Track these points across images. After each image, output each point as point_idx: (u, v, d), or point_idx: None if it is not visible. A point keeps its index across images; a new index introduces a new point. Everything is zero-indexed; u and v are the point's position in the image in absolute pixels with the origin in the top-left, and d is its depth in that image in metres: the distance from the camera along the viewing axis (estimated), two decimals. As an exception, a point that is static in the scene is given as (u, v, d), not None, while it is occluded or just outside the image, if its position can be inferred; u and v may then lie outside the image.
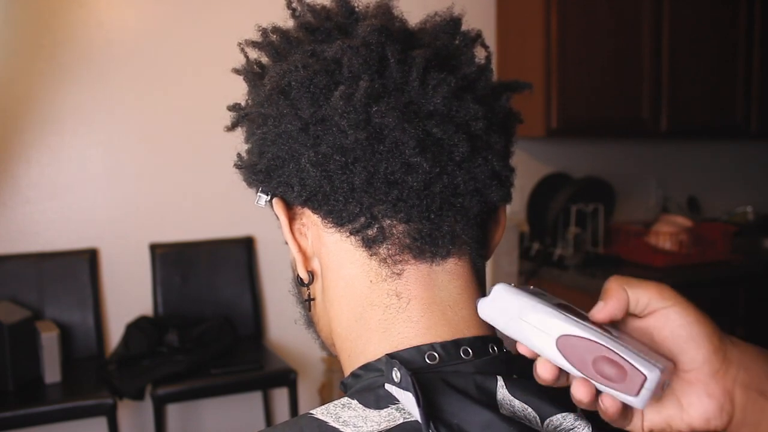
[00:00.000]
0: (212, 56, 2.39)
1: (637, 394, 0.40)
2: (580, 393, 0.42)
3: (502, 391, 0.46)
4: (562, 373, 0.43)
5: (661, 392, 0.41)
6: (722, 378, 0.41)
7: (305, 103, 0.48)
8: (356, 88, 0.47)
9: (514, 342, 0.46)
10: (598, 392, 0.42)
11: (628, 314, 0.44)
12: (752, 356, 0.42)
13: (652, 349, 0.42)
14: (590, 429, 0.46)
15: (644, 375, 0.39)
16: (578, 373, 0.42)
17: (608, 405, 0.41)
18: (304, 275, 0.54)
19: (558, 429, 0.45)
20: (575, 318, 0.43)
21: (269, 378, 2.21)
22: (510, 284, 0.46)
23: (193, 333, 2.26)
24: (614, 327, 0.44)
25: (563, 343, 0.42)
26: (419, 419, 0.43)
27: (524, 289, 0.46)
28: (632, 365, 0.40)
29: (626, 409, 0.43)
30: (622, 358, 0.40)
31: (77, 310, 2.29)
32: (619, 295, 0.43)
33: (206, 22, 2.46)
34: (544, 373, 0.43)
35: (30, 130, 2.29)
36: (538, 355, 0.44)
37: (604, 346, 0.40)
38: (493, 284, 0.47)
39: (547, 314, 0.43)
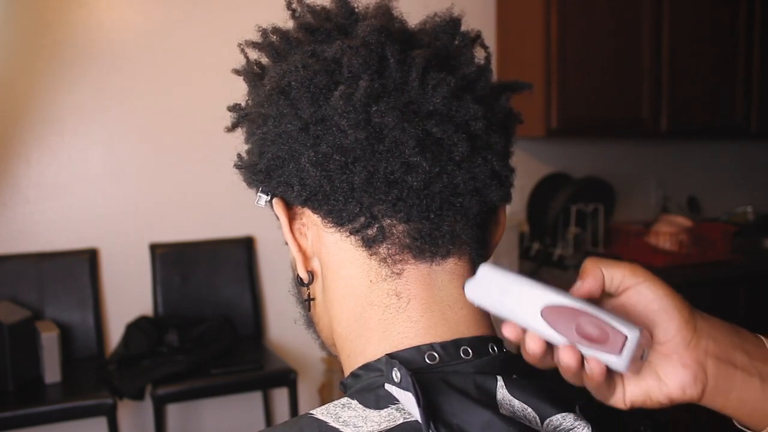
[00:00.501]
0: (212, 56, 2.39)
1: (620, 352, 0.42)
2: (567, 358, 0.43)
3: (502, 391, 0.46)
4: (548, 349, 0.45)
5: (641, 362, 0.44)
6: (694, 349, 0.44)
7: (305, 103, 0.48)
8: (356, 88, 0.47)
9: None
10: (583, 361, 0.44)
11: (604, 293, 0.46)
12: (719, 327, 0.45)
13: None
14: (590, 429, 0.46)
15: (625, 335, 0.42)
16: (564, 340, 0.43)
17: (593, 367, 0.43)
18: (304, 275, 0.54)
19: (558, 429, 0.46)
20: (558, 290, 0.45)
21: (269, 378, 2.20)
22: (494, 264, 0.47)
23: (193, 333, 2.26)
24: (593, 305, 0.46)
25: (548, 312, 0.44)
26: (419, 419, 0.43)
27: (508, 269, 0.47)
28: (613, 327, 0.42)
29: (610, 379, 0.45)
30: (603, 321, 0.42)
31: (77, 310, 2.29)
32: (596, 274, 0.45)
33: (206, 22, 2.46)
34: (532, 345, 0.44)
35: (30, 130, 2.29)
36: (524, 339, 0.46)
37: (586, 312, 0.43)
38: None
39: (531, 287, 0.45)
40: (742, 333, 0.46)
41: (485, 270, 0.47)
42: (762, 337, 0.47)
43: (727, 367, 0.44)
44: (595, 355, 0.43)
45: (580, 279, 0.46)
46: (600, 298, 0.46)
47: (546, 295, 0.44)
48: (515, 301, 0.45)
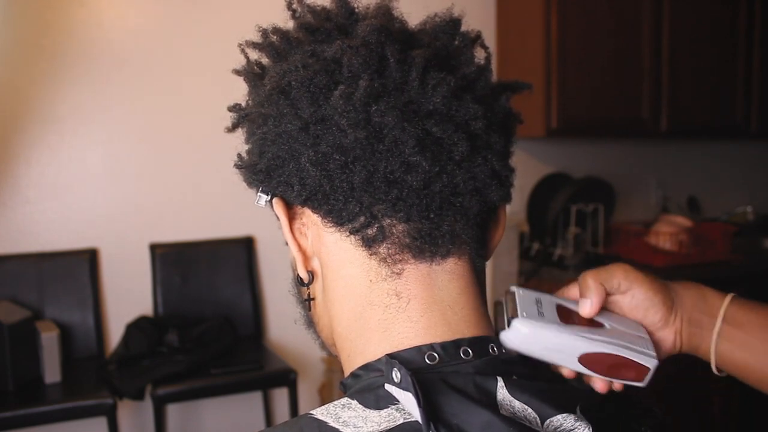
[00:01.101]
0: (212, 56, 2.39)
1: (643, 380, 0.54)
2: (599, 387, 0.54)
3: (502, 392, 0.46)
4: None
5: None
6: (673, 324, 0.57)
7: (305, 103, 0.48)
8: (356, 88, 0.47)
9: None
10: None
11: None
12: (689, 296, 0.58)
13: (629, 318, 0.57)
14: (591, 430, 0.46)
15: (648, 367, 0.53)
16: (599, 377, 0.53)
17: (619, 388, 0.55)
18: (304, 275, 0.54)
19: (558, 430, 0.45)
20: (582, 331, 0.52)
21: (269, 378, 2.20)
22: (524, 314, 0.51)
23: (193, 333, 2.26)
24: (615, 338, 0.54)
25: (584, 358, 0.52)
26: (419, 419, 0.43)
27: (535, 311, 0.53)
28: (639, 363, 0.53)
29: None
30: (630, 360, 0.53)
31: (77, 310, 2.29)
32: (599, 291, 0.55)
33: (207, 22, 2.46)
34: (567, 374, 0.54)
35: (30, 130, 2.29)
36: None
37: (615, 354, 0.52)
38: (500, 298, 0.56)
39: (566, 339, 0.52)
40: (707, 298, 0.58)
41: (519, 325, 0.51)
42: (727, 297, 0.58)
43: (695, 329, 0.57)
44: (624, 383, 0.54)
45: (584, 296, 0.55)
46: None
47: (581, 345, 0.52)
48: (555, 353, 0.52)
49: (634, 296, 0.56)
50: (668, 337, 0.58)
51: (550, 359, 0.52)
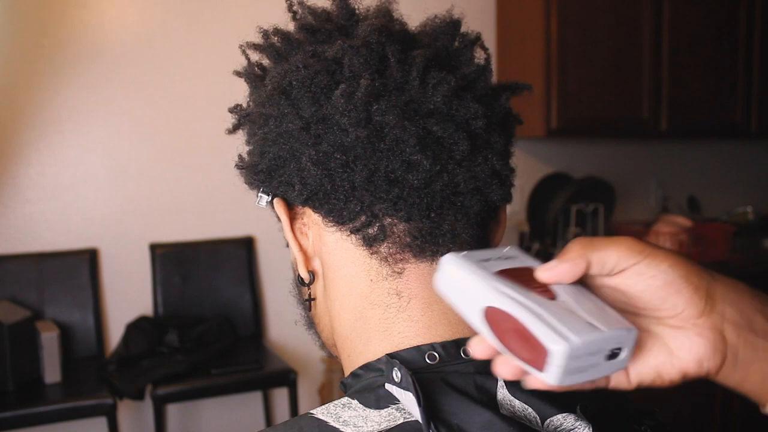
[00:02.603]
0: (213, 57, 2.39)
1: (543, 369, 0.35)
2: (499, 370, 0.38)
3: (503, 392, 0.46)
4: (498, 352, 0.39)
5: (617, 364, 0.38)
6: (709, 315, 0.38)
7: (306, 103, 0.48)
8: (357, 87, 0.47)
9: None
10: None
11: (595, 276, 0.40)
12: (737, 290, 0.39)
13: (617, 309, 0.39)
14: (591, 429, 0.46)
15: (547, 349, 0.34)
16: (501, 347, 0.37)
17: (530, 381, 0.37)
18: (304, 275, 0.54)
19: (558, 429, 0.45)
20: (515, 287, 0.38)
21: (269, 378, 2.20)
22: (461, 253, 0.41)
23: (193, 333, 2.26)
24: (578, 285, 0.40)
25: (489, 315, 0.38)
26: (419, 419, 0.43)
27: (477, 255, 0.41)
28: (539, 341, 0.35)
29: None
30: (531, 334, 0.35)
31: (77, 310, 2.29)
32: (576, 262, 0.39)
33: (207, 23, 2.46)
34: (475, 349, 0.39)
35: (30, 130, 2.29)
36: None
37: (518, 320, 0.36)
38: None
39: (479, 284, 0.38)
40: (764, 296, 0.40)
41: (446, 261, 0.40)
42: None
43: (748, 335, 0.38)
44: (525, 368, 0.37)
45: (558, 260, 0.40)
46: (590, 278, 0.40)
47: (489, 295, 0.38)
48: (464, 299, 0.39)
49: (640, 273, 0.38)
50: (704, 333, 0.38)
51: (460, 308, 0.40)
